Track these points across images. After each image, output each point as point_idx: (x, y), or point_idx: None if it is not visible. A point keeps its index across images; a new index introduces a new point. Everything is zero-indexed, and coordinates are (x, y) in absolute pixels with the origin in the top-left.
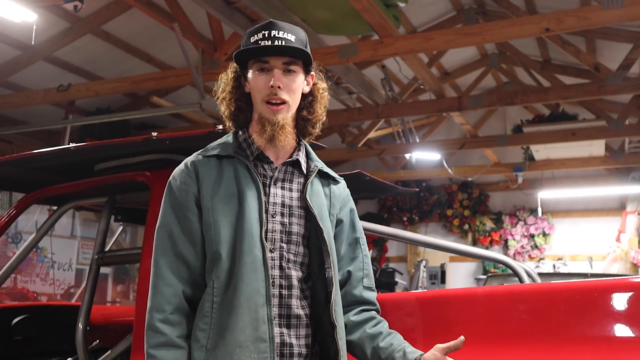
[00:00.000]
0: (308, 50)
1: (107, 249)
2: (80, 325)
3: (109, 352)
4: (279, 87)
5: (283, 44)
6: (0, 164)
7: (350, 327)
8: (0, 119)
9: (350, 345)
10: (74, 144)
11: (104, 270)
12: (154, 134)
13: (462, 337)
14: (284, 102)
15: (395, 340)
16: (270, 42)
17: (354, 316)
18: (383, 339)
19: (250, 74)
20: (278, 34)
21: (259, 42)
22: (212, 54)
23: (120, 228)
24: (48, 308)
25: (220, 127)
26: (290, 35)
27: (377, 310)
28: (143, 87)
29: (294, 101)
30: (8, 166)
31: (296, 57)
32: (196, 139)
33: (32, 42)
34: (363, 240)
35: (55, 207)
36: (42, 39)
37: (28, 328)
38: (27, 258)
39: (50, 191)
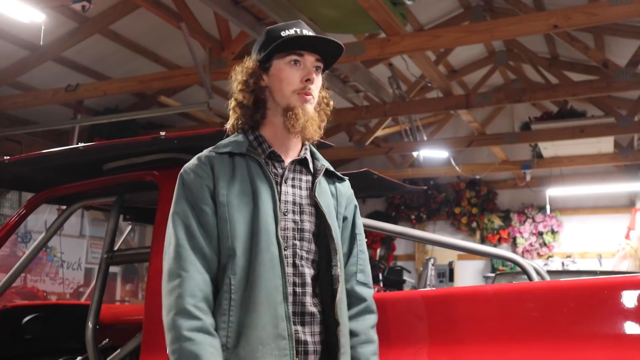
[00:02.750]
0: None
1: (115, 248)
2: (89, 324)
3: (119, 350)
4: (312, 82)
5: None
6: (10, 164)
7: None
8: (10, 119)
9: None
10: (82, 144)
11: (112, 269)
12: (162, 133)
13: None
14: (312, 96)
15: None
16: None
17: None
18: None
19: (276, 67)
20: (309, 33)
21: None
22: (220, 53)
23: (129, 227)
24: (58, 307)
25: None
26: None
27: (367, 307)
28: (151, 87)
29: (316, 99)
30: (17, 166)
31: (331, 61)
32: (204, 138)
33: (41, 43)
34: (360, 237)
35: (64, 207)
36: (51, 39)
37: (38, 327)
38: (36, 257)
39: (60, 191)
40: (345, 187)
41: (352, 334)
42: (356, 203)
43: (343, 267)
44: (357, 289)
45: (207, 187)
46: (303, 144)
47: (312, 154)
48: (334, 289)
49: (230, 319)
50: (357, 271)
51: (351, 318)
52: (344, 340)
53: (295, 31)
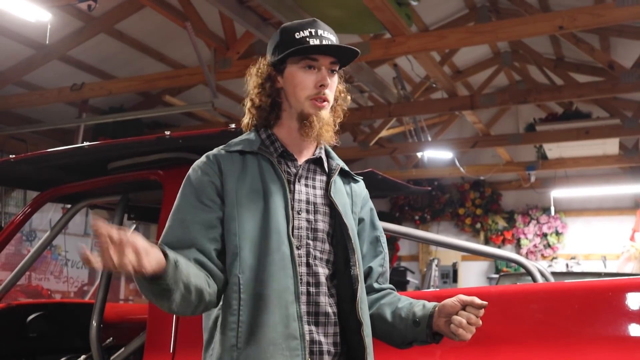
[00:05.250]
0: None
1: None
2: (94, 323)
3: (123, 349)
4: (326, 87)
5: (330, 43)
6: (15, 163)
7: (369, 305)
8: (15, 117)
9: (371, 320)
10: (87, 143)
11: None
12: (167, 132)
13: (485, 303)
14: (327, 101)
15: (414, 300)
16: (318, 40)
17: (371, 296)
18: (402, 302)
19: (291, 70)
20: (324, 33)
21: (307, 39)
22: (225, 53)
23: (133, 226)
24: (62, 305)
25: (233, 125)
26: (332, 36)
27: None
28: (156, 86)
29: (332, 101)
30: (23, 165)
31: (345, 58)
32: (209, 137)
33: (47, 42)
34: (383, 239)
35: (69, 205)
36: (56, 38)
37: (42, 325)
38: (41, 256)
39: (64, 189)
40: (360, 188)
41: (393, 302)
42: (372, 205)
43: (362, 267)
44: (383, 287)
45: (214, 184)
46: (318, 143)
47: (327, 153)
48: (354, 289)
49: (240, 318)
50: (381, 273)
51: (382, 297)
52: (369, 340)
53: (310, 32)
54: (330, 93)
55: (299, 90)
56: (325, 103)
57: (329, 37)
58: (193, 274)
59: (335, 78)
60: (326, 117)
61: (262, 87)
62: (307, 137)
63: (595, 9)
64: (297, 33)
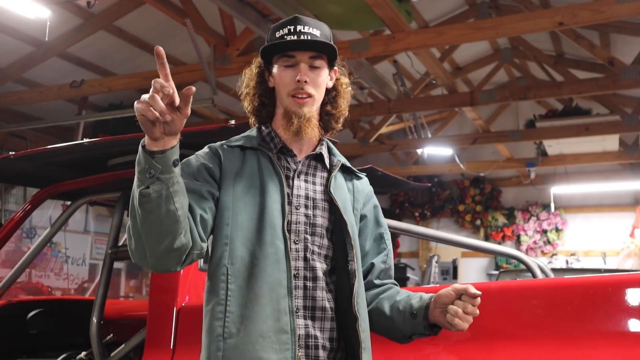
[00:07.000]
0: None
1: (120, 243)
2: (94, 320)
3: (123, 346)
4: (305, 82)
5: (309, 38)
6: (15, 160)
7: (369, 300)
8: (14, 114)
9: (371, 315)
10: (87, 140)
11: (117, 265)
12: None
13: (479, 292)
14: (309, 96)
15: (412, 292)
16: (296, 36)
17: (372, 291)
18: (401, 295)
19: (275, 69)
20: (304, 28)
21: (285, 37)
22: (224, 50)
23: None
24: (62, 302)
25: (233, 122)
26: (316, 30)
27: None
28: None
29: (319, 95)
30: (22, 161)
31: (322, 52)
32: (208, 134)
33: (46, 38)
34: (387, 236)
35: (69, 202)
36: (56, 35)
37: (43, 322)
38: (41, 253)
39: (64, 186)
40: (363, 185)
41: (392, 296)
42: (377, 202)
43: (360, 262)
44: (385, 282)
45: (211, 169)
46: (320, 140)
47: (329, 150)
48: (351, 284)
49: (228, 309)
50: (382, 270)
51: (383, 292)
52: (364, 336)
53: (289, 29)
54: (312, 88)
55: (281, 88)
56: (308, 99)
57: (311, 32)
58: (187, 203)
59: (320, 72)
60: (307, 114)
61: (249, 87)
62: (286, 133)
63: (595, 5)
64: (278, 31)
